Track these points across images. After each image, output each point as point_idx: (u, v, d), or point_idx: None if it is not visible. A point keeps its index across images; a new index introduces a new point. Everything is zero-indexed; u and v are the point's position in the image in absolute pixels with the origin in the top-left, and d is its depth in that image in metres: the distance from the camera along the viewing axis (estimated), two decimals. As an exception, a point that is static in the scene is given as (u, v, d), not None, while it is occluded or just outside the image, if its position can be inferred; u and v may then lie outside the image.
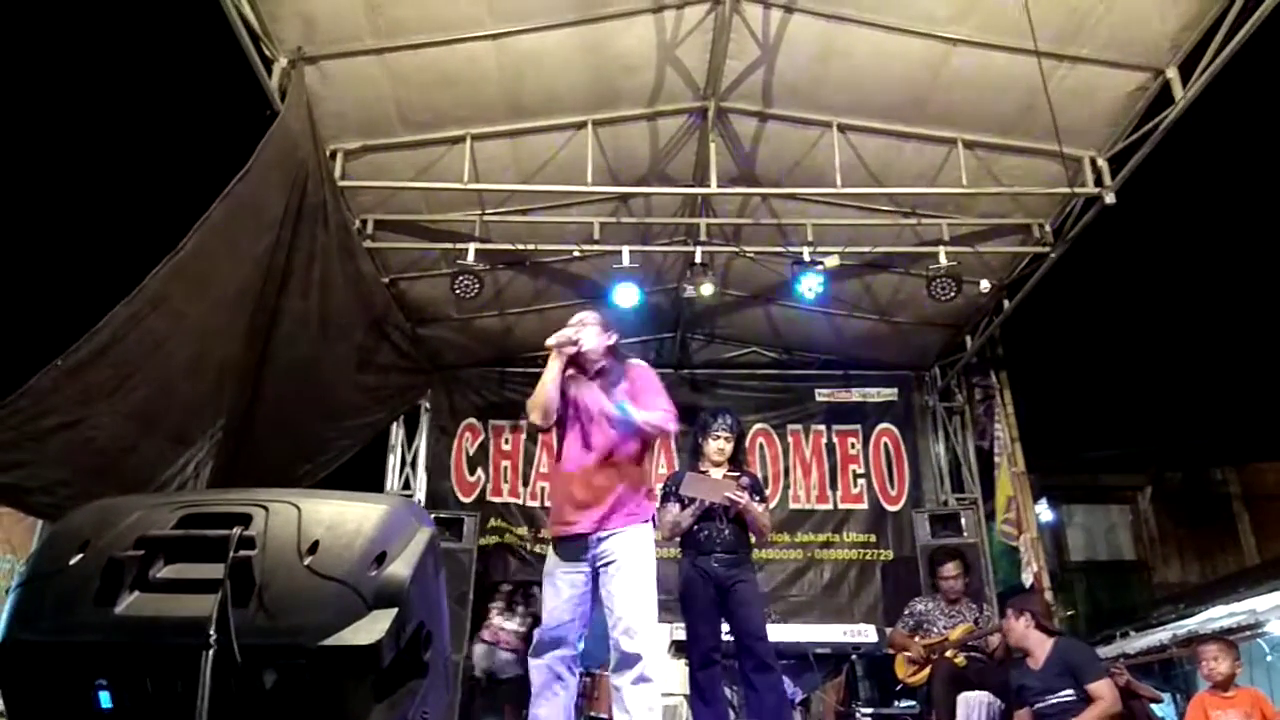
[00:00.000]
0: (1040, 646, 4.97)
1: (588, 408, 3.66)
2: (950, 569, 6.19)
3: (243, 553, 1.92)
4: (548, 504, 8.88)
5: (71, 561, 1.96)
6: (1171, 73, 5.55)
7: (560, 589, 3.53)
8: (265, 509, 2.01)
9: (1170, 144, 5.81)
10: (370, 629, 1.87)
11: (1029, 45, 5.06)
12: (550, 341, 3.66)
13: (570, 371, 3.73)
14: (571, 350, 3.67)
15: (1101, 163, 6.30)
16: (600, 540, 3.51)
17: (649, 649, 3.38)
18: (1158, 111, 5.71)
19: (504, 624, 7.56)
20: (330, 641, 1.85)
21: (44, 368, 4.16)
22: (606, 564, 3.49)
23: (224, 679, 1.80)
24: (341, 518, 2.02)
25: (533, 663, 3.52)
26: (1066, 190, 6.41)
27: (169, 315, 4.72)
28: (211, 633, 1.80)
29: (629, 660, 3.36)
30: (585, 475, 3.59)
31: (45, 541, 2.08)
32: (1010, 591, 9.23)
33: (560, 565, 3.57)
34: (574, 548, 3.55)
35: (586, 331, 3.74)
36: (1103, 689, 4.66)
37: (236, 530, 1.95)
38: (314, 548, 1.95)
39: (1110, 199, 6.23)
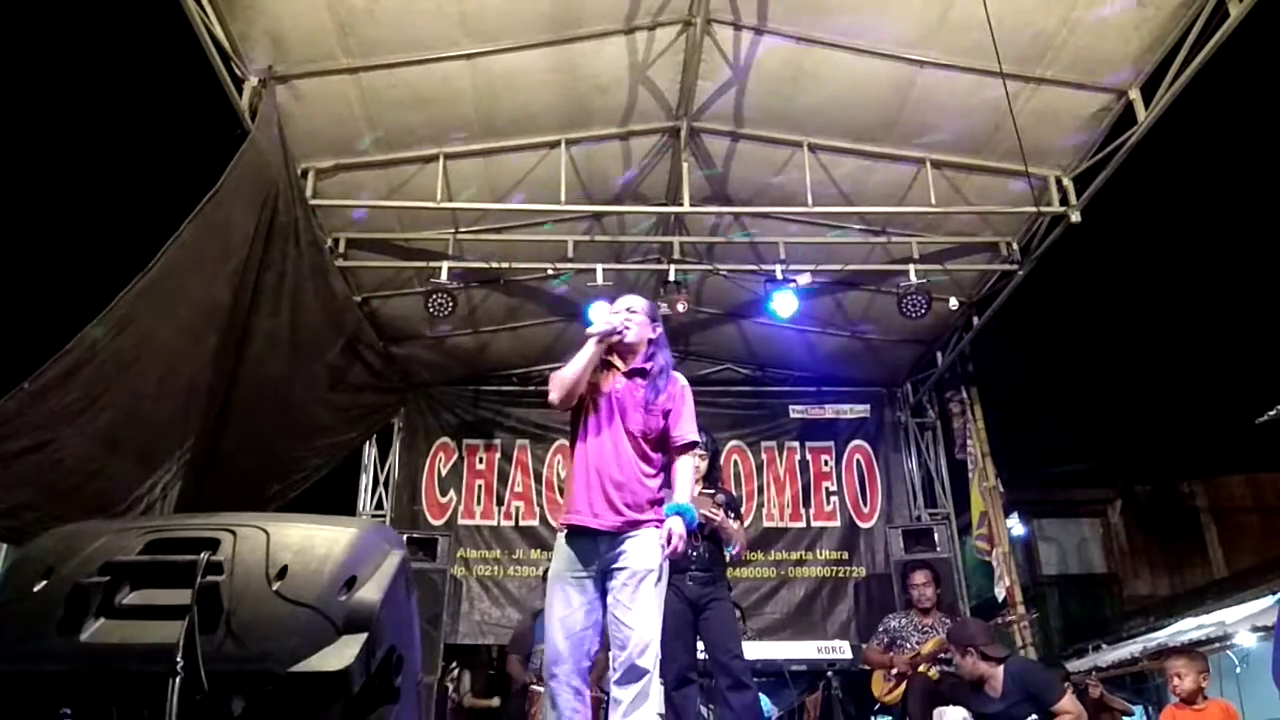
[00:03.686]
0: (994, 675, 4.90)
1: (622, 406, 3.43)
2: (919, 577, 6.28)
3: (210, 578, 1.90)
4: (523, 523, 8.84)
5: (35, 589, 1.93)
6: (1134, 94, 5.65)
7: (571, 595, 3.25)
8: (233, 533, 1.99)
9: (1134, 163, 5.90)
10: (340, 654, 1.86)
11: (994, 67, 5.13)
12: (591, 330, 3.44)
13: (609, 358, 3.50)
14: (614, 340, 3.45)
15: (1067, 182, 6.40)
16: (616, 542, 3.25)
17: (655, 665, 3.21)
18: (1121, 131, 5.81)
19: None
20: (299, 667, 1.83)
21: (10, 390, 4.09)
22: (619, 569, 3.22)
23: (191, 706, 1.78)
24: (310, 542, 2.00)
25: (550, 685, 3.18)
26: (1033, 209, 6.49)
27: (138, 336, 4.66)
28: (178, 660, 1.78)
29: (637, 673, 3.13)
30: (617, 468, 3.33)
31: (8, 569, 2.05)
32: (983, 606, 9.31)
33: (570, 567, 3.29)
34: (587, 545, 3.28)
35: (634, 321, 3.52)
36: (1066, 705, 4.66)
37: (204, 555, 1.93)
38: (283, 573, 1.93)
39: (1076, 217, 6.32)
